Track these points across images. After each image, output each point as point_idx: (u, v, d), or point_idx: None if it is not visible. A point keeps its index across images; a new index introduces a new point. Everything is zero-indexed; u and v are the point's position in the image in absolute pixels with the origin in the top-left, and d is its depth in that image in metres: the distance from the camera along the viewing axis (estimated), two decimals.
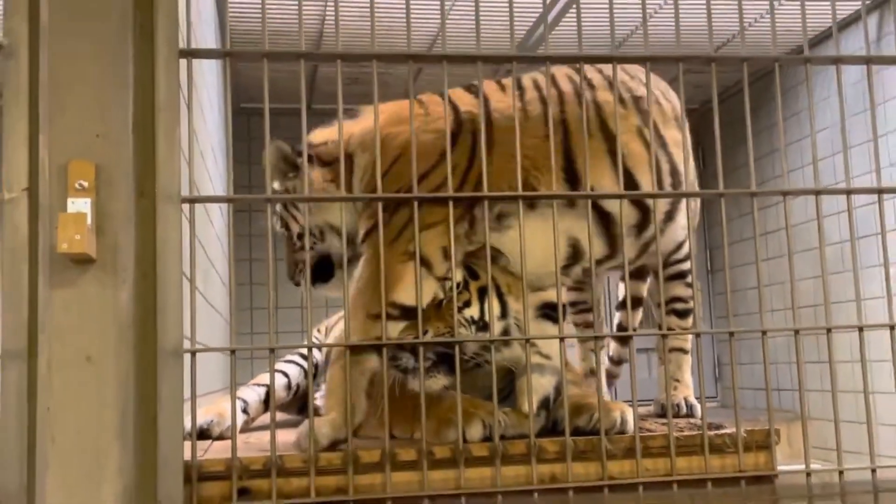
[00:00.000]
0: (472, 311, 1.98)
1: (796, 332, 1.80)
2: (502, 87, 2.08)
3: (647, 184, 1.96)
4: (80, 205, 1.44)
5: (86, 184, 1.47)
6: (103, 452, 1.50)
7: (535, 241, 1.83)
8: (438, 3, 4.41)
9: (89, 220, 1.45)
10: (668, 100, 2.18)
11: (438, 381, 1.87)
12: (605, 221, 1.97)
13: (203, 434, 2.07)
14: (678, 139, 2.09)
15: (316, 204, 2.10)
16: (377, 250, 1.73)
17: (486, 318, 1.96)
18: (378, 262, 1.71)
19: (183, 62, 1.62)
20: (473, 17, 1.77)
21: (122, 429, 1.50)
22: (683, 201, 2.07)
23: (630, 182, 1.97)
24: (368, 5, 1.72)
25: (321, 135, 2.24)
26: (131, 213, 1.54)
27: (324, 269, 2.21)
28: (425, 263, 1.88)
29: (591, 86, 2.06)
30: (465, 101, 2.03)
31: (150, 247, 1.57)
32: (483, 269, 1.89)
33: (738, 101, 1.92)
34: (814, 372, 5.17)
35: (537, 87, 2.04)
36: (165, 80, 1.59)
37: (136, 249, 1.55)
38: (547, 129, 1.83)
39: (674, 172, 2.08)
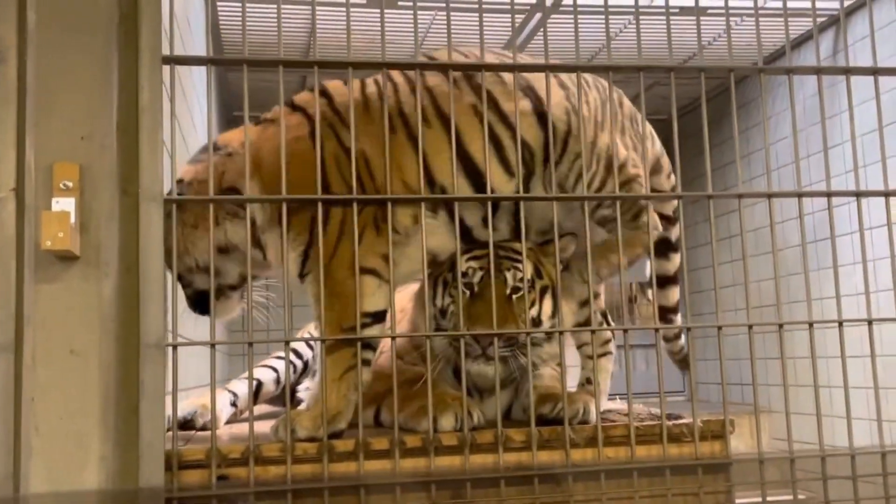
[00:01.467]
0: (535, 311, 2.08)
1: (749, 327, 1.90)
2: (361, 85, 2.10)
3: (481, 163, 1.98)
4: (64, 204, 1.51)
5: (70, 184, 1.54)
6: (86, 441, 1.57)
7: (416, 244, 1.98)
8: (421, 16, 4.51)
9: (73, 219, 1.52)
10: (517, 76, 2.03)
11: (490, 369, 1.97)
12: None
13: (187, 424, 2.13)
14: (526, 109, 2.04)
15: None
16: (327, 270, 1.87)
17: (543, 316, 2.08)
18: (330, 280, 1.86)
19: (166, 68, 1.69)
20: (454, 31, 1.85)
21: (105, 418, 1.57)
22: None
23: (469, 165, 2.01)
24: (357, 17, 1.80)
25: (188, 172, 2.08)
26: (115, 211, 1.62)
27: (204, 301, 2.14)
28: (374, 273, 1.95)
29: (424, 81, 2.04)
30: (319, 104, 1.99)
31: (133, 244, 1.64)
32: (552, 265, 2.04)
33: (697, 113, 2.02)
34: (776, 366, 5.30)
35: (376, 82, 2.07)
36: (149, 85, 1.66)
37: (119, 246, 1.62)
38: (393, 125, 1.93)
39: (524, 145, 2.02)
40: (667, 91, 1.95)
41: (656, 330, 1.92)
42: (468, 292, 2.05)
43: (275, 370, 2.68)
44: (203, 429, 2.14)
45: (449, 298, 2.09)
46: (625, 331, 1.87)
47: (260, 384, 2.61)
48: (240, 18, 4.77)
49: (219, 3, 4.56)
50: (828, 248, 1.97)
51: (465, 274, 2.07)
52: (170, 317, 1.70)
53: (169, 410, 1.65)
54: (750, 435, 4.18)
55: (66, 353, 1.57)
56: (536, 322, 2.07)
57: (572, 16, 2.01)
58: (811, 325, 1.90)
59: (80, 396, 1.57)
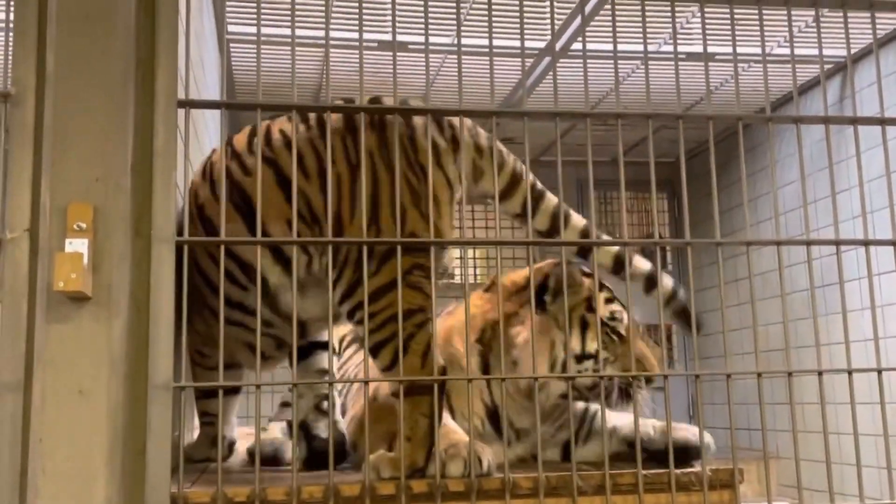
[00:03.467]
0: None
1: (759, 374, 1.89)
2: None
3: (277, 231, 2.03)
4: (77, 245, 1.52)
5: (84, 225, 1.56)
6: (92, 482, 1.56)
7: None
8: (427, 60, 4.57)
9: (86, 260, 1.53)
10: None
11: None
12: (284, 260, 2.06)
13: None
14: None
15: None
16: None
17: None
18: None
19: (182, 111, 1.72)
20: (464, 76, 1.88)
21: (111, 460, 1.57)
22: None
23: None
24: (369, 61, 1.83)
25: None
26: (127, 252, 1.63)
27: None
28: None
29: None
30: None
31: (144, 285, 1.65)
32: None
33: (704, 157, 2.04)
34: (785, 413, 5.26)
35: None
36: (164, 128, 1.69)
37: (130, 287, 1.63)
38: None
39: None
40: (673, 135, 1.98)
41: (665, 377, 1.91)
42: (616, 337, 2.17)
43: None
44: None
45: (600, 343, 2.12)
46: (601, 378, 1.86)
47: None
48: (251, 61, 4.84)
49: (232, 46, 4.63)
50: (835, 293, 1.97)
51: (612, 318, 2.19)
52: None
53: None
54: (758, 481, 4.13)
55: (75, 393, 1.57)
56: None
57: (579, 61, 2.04)
58: (820, 373, 1.90)
59: (87, 437, 1.56)
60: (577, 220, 2.23)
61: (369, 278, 1.86)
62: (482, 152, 2.12)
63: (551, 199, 2.21)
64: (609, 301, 2.23)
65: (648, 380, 2.14)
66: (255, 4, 4.32)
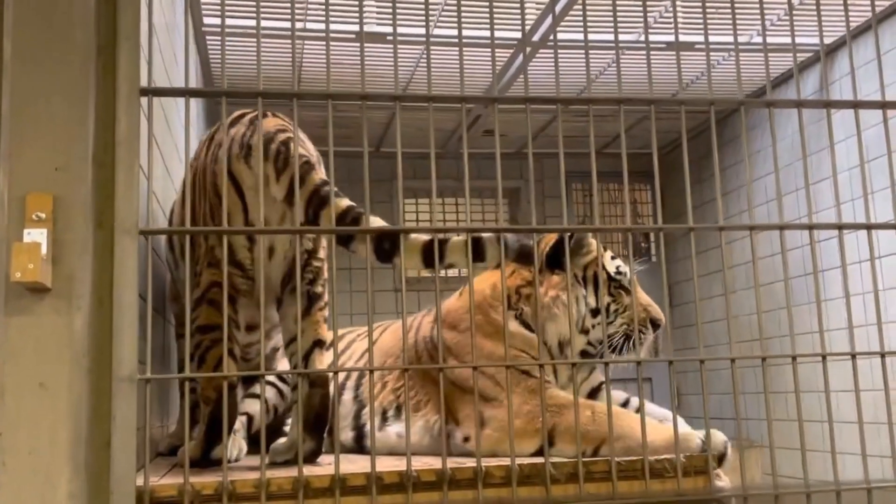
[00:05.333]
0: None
1: (732, 360, 1.88)
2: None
3: None
4: (35, 235, 1.49)
5: (43, 215, 1.53)
6: (55, 477, 1.53)
7: None
8: (413, 52, 4.54)
9: (44, 250, 1.50)
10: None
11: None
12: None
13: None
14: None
15: None
16: None
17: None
18: None
19: (144, 99, 1.69)
20: (441, 67, 1.85)
21: (74, 454, 1.54)
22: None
23: None
24: (347, 52, 1.81)
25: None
26: (89, 243, 1.60)
27: None
28: None
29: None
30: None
31: (107, 276, 1.62)
32: None
33: (694, 144, 2.03)
34: (774, 400, 5.28)
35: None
36: (126, 117, 1.65)
37: (92, 278, 1.60)
38: None
39: None
40: (659, 124, 1.96)
41: (670, 363, 1.89)
42: (622, 290, 2.40)
43: (264, 400, 2.65)
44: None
45: (609, 297, 2.39)
46: (606, 364, 1.85)
47: (251, 419, 2.57)
48: (230, 55, 4.80)
49: (208, 38, 4.59)
50: (812, 281, 1.96)
51: (619, 273, 2.41)
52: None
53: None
54: (732, 469, 4.12)
55: (36, 386, 1.54)
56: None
57: (561, 52, 2.03)
58: (794, 358, 1.89)
59: (50, 431, 1.54)
60: (342, 202, 2.08)
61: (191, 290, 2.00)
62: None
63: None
64: (614, 258, 2.47)
65: (656, 325, 2.41)
66: None
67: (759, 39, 4.84)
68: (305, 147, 2.17)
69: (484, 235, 1.92)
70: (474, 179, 6.58)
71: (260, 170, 1.83)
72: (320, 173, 2.10)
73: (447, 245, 1.91)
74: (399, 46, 4.89)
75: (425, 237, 1.93)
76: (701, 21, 3.96)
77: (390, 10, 4.34)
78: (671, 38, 4.79)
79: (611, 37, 4.56)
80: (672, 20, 4.70)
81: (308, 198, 2.02)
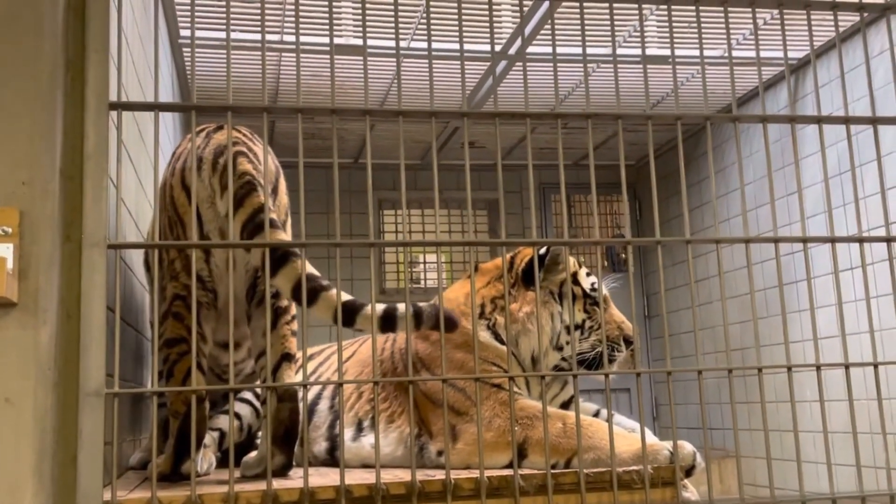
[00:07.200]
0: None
1: (699, 372, 1.90)
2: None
3: None
4: (1, 250, 1.49)
5: (9, 229, 1.52)
6: (20, 493, 1.52)
7: None
8: (364, 63, 4.55)
9: (10, 265, 1.50)
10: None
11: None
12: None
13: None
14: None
15: None
16: None
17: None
18: None
19: (113, 114, 1.69)
20: (423, 80, 1.87)
21: (40, 469, 1.53)
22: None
23: None
24: (325, 64, 1.81)
25: None
26: (56, 258, 1.60)
27: None
28: None
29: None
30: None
31: (75, 290, 1.61)
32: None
33: (665, 158, 2.05)
34: (741, 412, 5.33)
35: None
36: (94, 131, 1.65)
37: (60, 292, 1.60)
38: None
39: None
40: (634, 138, 1.99)
41: (638, 374, 1.91)
42: (596, 306, 2.42)
43: (238, 416, 2.65)
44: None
45: (584, 314, 2.42)
46: (574, 376, 1.87)
47: (223, 434, 2.57)
48: (207, 67, 4.81)
49: (184, 50, 4.58)
50: (792, 292, 1.98)
51: (593, 289, 2.43)
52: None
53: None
54: (718, 480, 4.15)
55: (1, 401, 1.53)
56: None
57: (542, 65, 2.04)
58: (760, 370, 1.91)
59: (14, 447, 1.53)
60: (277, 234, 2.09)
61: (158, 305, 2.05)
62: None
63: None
64: (588, 274, 2.51)
65: (628, 342, 2.43)
66: (206, 8, 4.29)
67: (736, 52, 4.90)
68: (257, 162, 2.13)
69: (399, 308, 1.94)
70: (454, 190, 6.61)
71: (197, 184, 1.88)
72: (261, 196, 2.05)
73: (359, 314, 1.92)
74: (377, 59, 4.95)
75: (346, 298, 1.93)
76: (676, 36, 4.01)
77: (367, 24, 4.35)
78: (648, 52, 4.85)
79: (591, 50, 4.61)
80: (648, 33, 4.76)
81: (243, 223, 2.04)
